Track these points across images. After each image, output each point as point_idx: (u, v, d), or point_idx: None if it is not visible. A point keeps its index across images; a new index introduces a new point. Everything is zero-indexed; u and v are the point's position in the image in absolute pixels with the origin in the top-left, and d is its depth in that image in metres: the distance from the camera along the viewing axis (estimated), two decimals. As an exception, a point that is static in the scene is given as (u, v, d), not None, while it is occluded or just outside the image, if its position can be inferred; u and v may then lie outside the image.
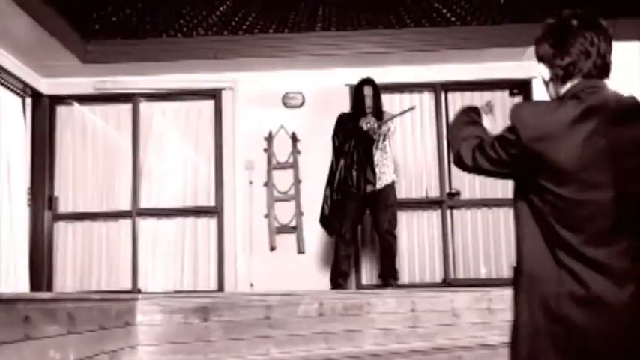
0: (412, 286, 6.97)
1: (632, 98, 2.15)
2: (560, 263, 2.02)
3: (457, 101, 7.72)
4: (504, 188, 7.11)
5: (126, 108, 7.56)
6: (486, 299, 5.04)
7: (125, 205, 7.40)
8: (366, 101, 6.43)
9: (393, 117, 6.48)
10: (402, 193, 7.21)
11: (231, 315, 3.72)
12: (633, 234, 2.01)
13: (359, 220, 6.56)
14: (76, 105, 7.61)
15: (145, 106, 7.57)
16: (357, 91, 6.55)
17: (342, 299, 4.27)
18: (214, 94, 7.53)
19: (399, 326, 4.46)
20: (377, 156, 6.34)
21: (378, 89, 6.52)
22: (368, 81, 6.51)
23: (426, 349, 4.44)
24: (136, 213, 7.34)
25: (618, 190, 2.01)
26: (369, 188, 6.20)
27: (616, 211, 2.00)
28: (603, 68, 2.16)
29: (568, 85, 2.19)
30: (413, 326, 4.57)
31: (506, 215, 7.33)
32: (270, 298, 3.95)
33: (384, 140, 6.39)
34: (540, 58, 2.25)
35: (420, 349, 4.42)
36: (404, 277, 7.18)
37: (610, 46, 2.17)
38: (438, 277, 7.38)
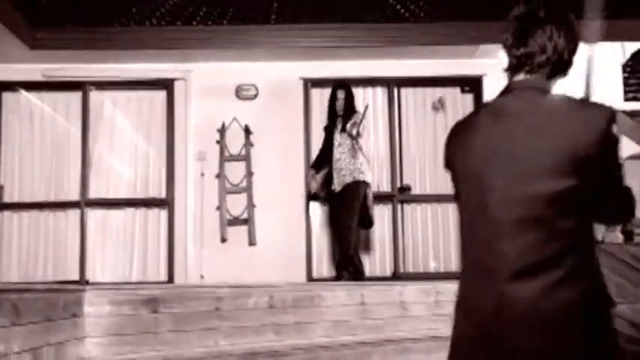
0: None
1: (563, 102, 2.03)
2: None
3: (409, 97, 7.81)
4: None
5: (75, 96, 7.43)
6: (435, 292, 5.12)
7: (73, 195, 7.28)
8: (337, 104, 6.60)
9: (360, 121, 6.50)
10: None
11: (181, 307, 3.70)
12: (536, 233, 1.94)
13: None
14: (23, 92, 7.44)
15: (95, 95, 7.45)
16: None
17: (292, 292, 4.29)
18: (167, 85, 7.45)
19: (349, 318, 4.50)
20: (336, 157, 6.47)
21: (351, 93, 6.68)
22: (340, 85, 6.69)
23: (376, 341, 4.49)
24: (84, 203, 7.23)
25: (509, 193, 1.98)
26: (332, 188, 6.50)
27: (512, 211, 1.97)
28: (558, 65, 2.08)
29: (515, 78, 2.13)
30: (363, 318, 4.61)
31: (456, 210, 7.43)
32: (221, 290, 3.95)
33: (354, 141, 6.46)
34: (503, 45, 2.18)
35: (369, 341, 4.47)
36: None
37: (572, 43, 2.08)
38: (389, 271, 7.46)
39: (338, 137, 6.51)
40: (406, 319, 4.85)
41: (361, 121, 6.43)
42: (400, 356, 4.49)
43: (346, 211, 6.36)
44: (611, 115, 1.96)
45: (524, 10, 2.13)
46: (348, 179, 6.41)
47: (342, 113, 6.57)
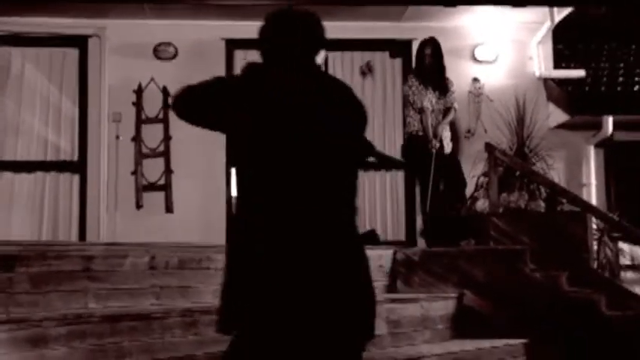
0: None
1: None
2: None
3: (337, 60, 7.55)
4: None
5: (-21, 51, 7.01)
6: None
7: (-22, 157, 6.90)
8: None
9: None
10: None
11: (41, 266, 3.42)
12: None
13: None
14: None
15: (1, 51, 7.03)
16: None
17: (177, 253, 4.04)
18: (80, 42, 7.08)
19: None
20: None
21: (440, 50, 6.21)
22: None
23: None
24: (-9, 165, 6.85)
25: None
26: None
27: None
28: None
29: None
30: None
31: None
32: (92, 249, 3.67)
33: None
34: None
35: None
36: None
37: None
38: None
39: None
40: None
41: None
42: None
43: None
44: None
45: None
46: None
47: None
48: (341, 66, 7.53)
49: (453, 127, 6.57)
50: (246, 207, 2.21)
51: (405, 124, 6.29)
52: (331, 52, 7.50)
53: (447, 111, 6.19)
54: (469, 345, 4.70)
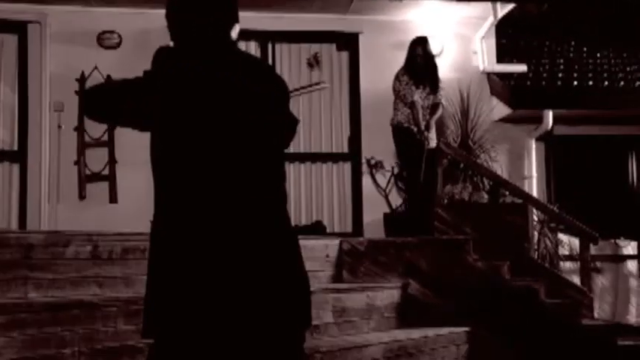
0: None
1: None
2: None
3: (284, 53, 7.54)
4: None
5: None
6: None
7: None
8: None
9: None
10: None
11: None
12: None
13: None
14: None
15: None
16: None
17: (121, 242, 3.97)
18: (19, 28, 6.87)
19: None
20: None
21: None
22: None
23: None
24: None
25: None
26: None
27: None
28: None
29: None
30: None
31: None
32: (32, 237, 3.59)
33: None
34: None
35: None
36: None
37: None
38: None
39: None
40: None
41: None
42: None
43: None
44: None
45: None
46: None
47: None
48: (288, 58, 7.52)
49: (439, 122, 6.65)
50: (165, 200, 2.07)
51: (393, 115, 6.31)
52: (278, 43, 7.50)
53: (434, 107, 6.30)
54: (414, 333, 4.77)
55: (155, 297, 2.03)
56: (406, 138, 6.15)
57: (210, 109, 2.03)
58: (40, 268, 3.57)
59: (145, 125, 2.14)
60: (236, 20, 2.21)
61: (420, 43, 6.31)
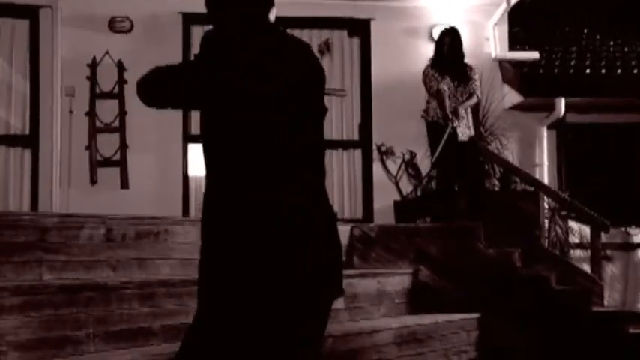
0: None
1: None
2: None
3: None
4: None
5: None
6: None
7: None
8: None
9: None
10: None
11: (-6, 236, 3.35)
12: None
13: None
14: None
15: (-53, 20, 6.81)
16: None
17: (135, 225, 3.99)
18: (31, 12, 6.88)
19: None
20: None
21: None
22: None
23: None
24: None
25: None
26: None
27: None
28: None
29: None
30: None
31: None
32: (47, 220, 3.61)
33: None
34: None
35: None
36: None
37: None
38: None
39: None
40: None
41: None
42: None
43: None
44: None
45: None
46: None
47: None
48: (299, 44, 7.50)
49: (476, 117, 6.54)
50: (221, 183, 2.17)
51: (425, 109, 6.21)
52: (289, 29, 7.45)
53: (468, 96, 6.15)
54: (425, 319, 4.78)
55: (213, 271, 2.14)
56: (436, 132, 6.02)
57: (269, 90, 2.13)
58: (54, 251, 3.59)
59: (206, 106, 2.21)
60: (272, 4, 2.28)
61: (448, 33, 6.19)
